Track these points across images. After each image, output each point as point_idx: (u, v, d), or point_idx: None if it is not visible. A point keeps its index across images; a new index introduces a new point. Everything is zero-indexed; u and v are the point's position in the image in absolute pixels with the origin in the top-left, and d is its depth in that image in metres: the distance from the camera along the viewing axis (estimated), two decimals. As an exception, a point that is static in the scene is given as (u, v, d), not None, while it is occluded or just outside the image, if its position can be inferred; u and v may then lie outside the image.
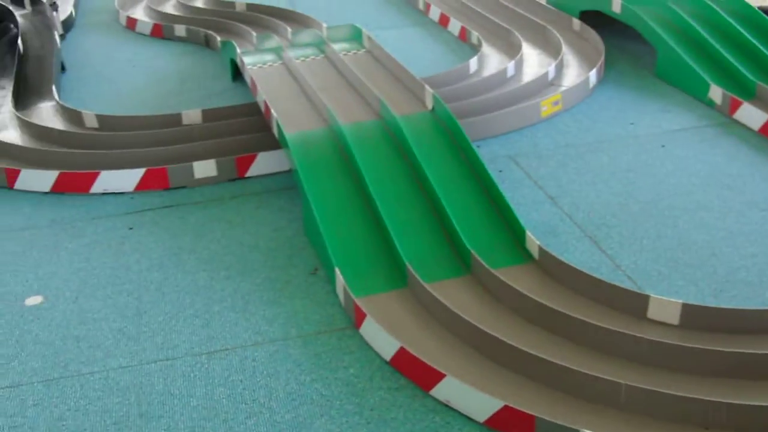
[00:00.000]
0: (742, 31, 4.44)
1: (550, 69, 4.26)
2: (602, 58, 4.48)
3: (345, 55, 4.16)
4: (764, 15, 4.66)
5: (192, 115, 3.90)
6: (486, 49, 4.68)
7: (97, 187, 3.52)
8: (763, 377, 2.30)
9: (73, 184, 3.54)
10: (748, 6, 4.74)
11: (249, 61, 4.13)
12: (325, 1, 6.09)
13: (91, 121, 3.95)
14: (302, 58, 4.18)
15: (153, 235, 3.18)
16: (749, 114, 3.88)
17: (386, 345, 2.44)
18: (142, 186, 3.52)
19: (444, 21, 5.36)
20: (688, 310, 2.50)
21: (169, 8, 5.95)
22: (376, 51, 4.20)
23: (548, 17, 5.16)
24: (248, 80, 3.98)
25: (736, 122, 3.91)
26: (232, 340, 2.57)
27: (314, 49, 4.34)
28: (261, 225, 3.22)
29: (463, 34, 5.07)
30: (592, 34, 4.79)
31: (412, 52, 4.83)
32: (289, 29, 4.93)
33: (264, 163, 3.60)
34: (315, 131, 3.39)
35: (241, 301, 2.75)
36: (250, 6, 5.68)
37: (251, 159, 3.59)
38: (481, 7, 5.40)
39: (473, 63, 4.38)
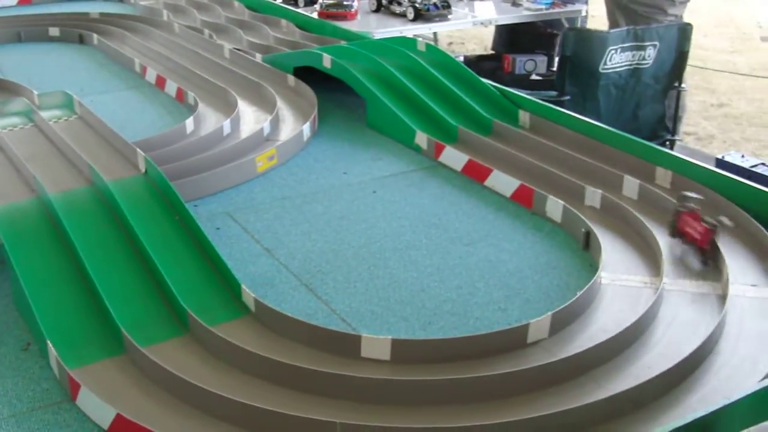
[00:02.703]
0: (443, 79, 4.76)
1: (264, 125, 4.37)
2: (315, 111, 4.65)
3: (55, 122, 4.08)
4: (462, 64, 5.02)
5: None
6: (202, 108, 4.72)
7: None
8: (472, 400, 2.47)
9: None
10: (448, 56, 5.10)
11: (-49, 134, 3.96)
12: (38, 68, 5.92)
13: None
14: (10, 128, 4.06)
15: None
16: (452, 156, 4.15)
17: (103, 414, 2.41)
18: None
19: (161, 83, 5.36)
20: (397, 345, 2.63)
21: None
22: (87, 117, 4.14)
23: (263, 74, 5.28)
24: (-50, 154, 3.81)
25: (441, 165, 4.17)
26: (-63, 428, 2.44)
27: (23, 118, 4.22)
28: (-32, 303, 3.08)
29: (180, 95, 5.09)
30: (306, 89, 4.96)
31: (129, 116, 4.79)
32: (-2, 99, 4.76)
33: (-30, 238, 3.45)
34: (23, 203, 3.30)
35: (-53, 385, 2.62)
36: (-46, 76, 5.43)
37: (-44, 235, 3.43)
38: (198, 68, 5.45)
39: (189, 123, 4.41)
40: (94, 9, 7.38)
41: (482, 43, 12.28)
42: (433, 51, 5.20)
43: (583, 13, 8.11)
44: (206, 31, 6.47)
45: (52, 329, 2.71)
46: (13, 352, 2.77)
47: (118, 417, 2.36)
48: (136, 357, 2.61)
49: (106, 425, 2.40)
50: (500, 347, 2.69)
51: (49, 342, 2.63)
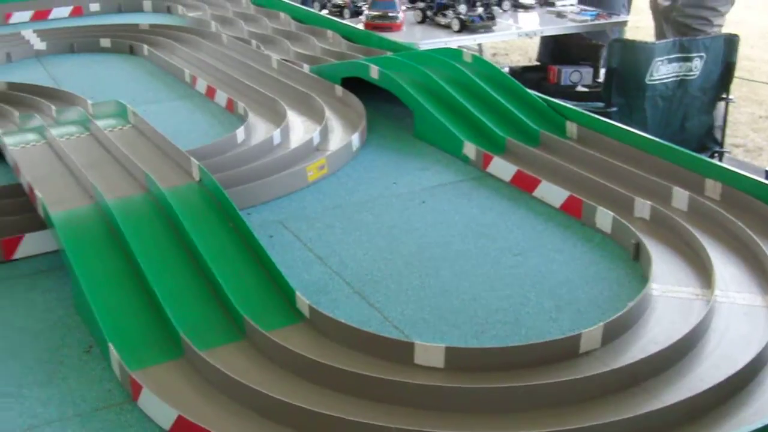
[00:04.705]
0: (490, 90, 4.79)
1: (314, 135, 4.42)
2: (364, 122, 4.70)
3: (110, 131, 4.16)
4: (508, 76, 5.04)
5: (-48, 200, 3.77)
6: (252, 118, 4.79)
7: None
8: (525, 408, 2.49)
9: None
10: (494, 67, 5.12)
11: (10, 142, 4.06)
12: (91, 78, 6.03)
13: None
14: (67, 136, 4.15)
15: None
16: (500, 167, 4.18)
17: (164, 415, 2.46)
18: None
19: (211, 93, 5.44)
20: (451, 352, 2.67)
21: None
22: (141, 126, 4.22)
23: (311, 85, 5.34)
24: (10, 161, 3.90)
25: (490, 175, 4.19)
26: (6, 426, 2.50)
27: (79, 127, 4.31)
28: (31, 307, 3.15)
29: (230, 105, 5.16)
30: (354, 100, 5.01)
31: (180, 126, 4.87)
32: (54, 107, 4.86)
33: (32, 244, 3.52)
34: (82, 209, 3.37)
35: (14, 386, 2.68)
36: (11, 85, 5.53)
37: (17, 241, 3.51)
38: (247, 78, 5.53)
39: (240, 133, 4.48)
40: (143, 20, 7.49)
41: (526, 54, 12.29)
42: (479, 62, 5.23)
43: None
44: (254, 42, 6.56)
45: (113, 332, 2.78)
46: (76, 354, 2.85)
47: (180, 419, 2.41)
48: (194, 360, 2.67)
49: (167, 426, 2.45)
50: (553, 356, 2.71)
51: (110, 345, 2.70)
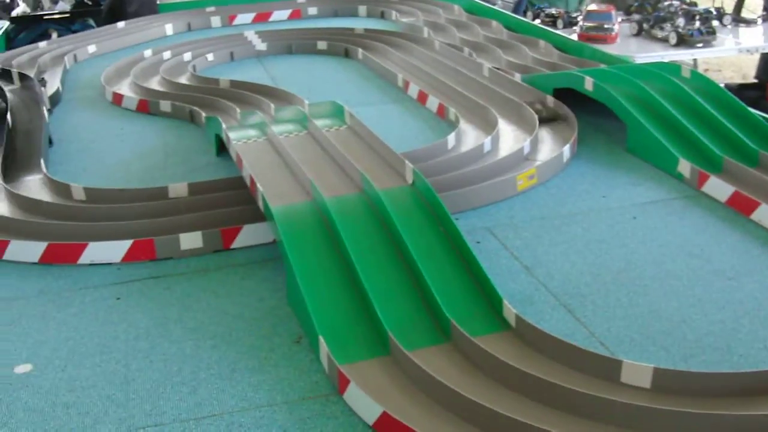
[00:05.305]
0: (708, 107, 4.62)
1: (525, 144, 4.41)
2: (575, 133, 4.65)
3: (327, 131, 4.29)
4: (729, 93, 4.86)
5: (178, 189, 4.00)
6: (463, 125, 4.83)
7: (84, 258, 3.60)
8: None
9: (61, 255, 3.62)
10: (713, 84, 4.94)
11: (234, 137, 4.25)
12: (307, 79, 6.25)
13: (78, 194, 4.04)
14: (286, 134, 4.31)
15: (140, 306, 3.25)
16: (716, 187, 4.03)
17: (369, 410, 2.53)
18: (129, 257, 3.60)
19: (422, 98, 5.53)
20: (659, 374, 2.60)
21: (155, 84, 6.09)
22: (357, 127, 4.33)
23: (523, 94, 5.32)
24: (233, 155, 4.09)
25: (704, 195, 4.05)
26: (219, 406, 2.64)
27: (297, 125, 4.47)
28: (245, 295, 3.31)
29: (441, 111, 5.22)
30: (566, 111, 4.96)
31: (392, 128, 4.96)
32: (272, 105, 5.07)
33: (249, 235, 3.70)
34: (299, 204, 3.50)
35: (227, 369, 2.83)
36: (233, 83, 5.82)
37: (236, 231, 3.69)
38: (458, 85, 5.57)
39: (451, 139, 4.53)
40: (358, 25, 7.69)
41: (740, 70, 11.80)
42: (697, 78, 5.06)
43: None
44: (466, 49, 6.60)
45: (324, 326, 2.87)
46: (286, 343, 2.97)
47: (384, 415, 2.47)
48: (400, 360, 2.72)
49: (371, 421, 2.51)
50: (766, 388, 2.59)
51: (321, 337, 2.79)
